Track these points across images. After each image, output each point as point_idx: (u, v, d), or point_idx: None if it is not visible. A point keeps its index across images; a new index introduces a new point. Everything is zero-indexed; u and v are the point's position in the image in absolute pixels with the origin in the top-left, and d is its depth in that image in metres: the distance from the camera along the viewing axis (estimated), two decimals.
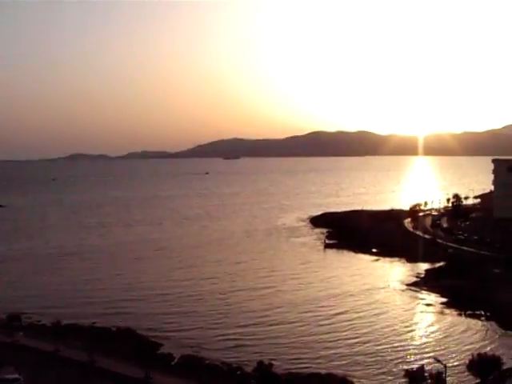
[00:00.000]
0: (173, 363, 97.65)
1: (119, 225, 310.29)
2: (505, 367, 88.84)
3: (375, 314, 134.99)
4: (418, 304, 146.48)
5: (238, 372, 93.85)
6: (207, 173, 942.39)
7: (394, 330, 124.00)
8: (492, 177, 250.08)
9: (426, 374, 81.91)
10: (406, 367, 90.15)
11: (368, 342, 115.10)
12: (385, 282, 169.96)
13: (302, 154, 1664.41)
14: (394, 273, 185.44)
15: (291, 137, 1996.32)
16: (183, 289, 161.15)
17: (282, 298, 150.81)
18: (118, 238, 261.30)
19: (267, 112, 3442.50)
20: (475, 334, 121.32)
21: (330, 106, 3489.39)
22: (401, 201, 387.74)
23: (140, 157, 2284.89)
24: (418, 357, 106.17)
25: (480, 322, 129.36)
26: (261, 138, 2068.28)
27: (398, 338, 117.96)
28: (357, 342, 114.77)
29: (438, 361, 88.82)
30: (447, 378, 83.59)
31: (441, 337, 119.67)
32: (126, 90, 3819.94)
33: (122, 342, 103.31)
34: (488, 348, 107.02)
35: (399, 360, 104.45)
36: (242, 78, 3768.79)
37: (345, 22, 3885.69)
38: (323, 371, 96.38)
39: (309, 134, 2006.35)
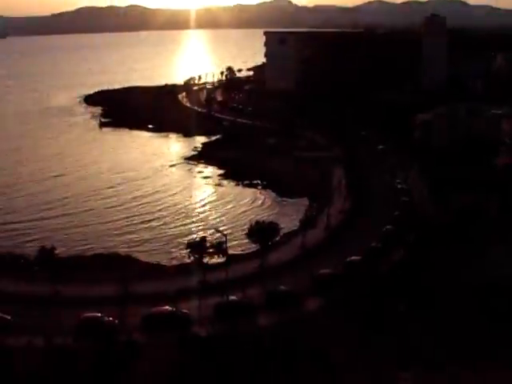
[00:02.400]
0: None
1: None
2: (281, 233, 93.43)
3: (163, 195, 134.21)
4: (197, 178, 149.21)
5: (22, 260, 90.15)
6: None
7: (179, 206, 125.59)
8: (264, 49, 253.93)
9: (207, 244, 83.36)
10: (188, 239, 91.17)
11: (156, 222, 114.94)
12: (165, 158, 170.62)
13: (71, 31, 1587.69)
14: (173, 148, 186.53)
15: (59, 13, 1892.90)
16: None
17: (73, 187, 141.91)
18: None
19: None
20: (253, 203, 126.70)
21: None
22: (175, 76, 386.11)
23: None
24: (201, 229, 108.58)
25: (257, 191, 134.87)
26: (29, 15, 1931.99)
27: (182, 214, 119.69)
28: (147, 226, 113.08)
29: (219, 231, 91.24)
30: (228, 246, 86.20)
31: (221, 208, 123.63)
32: None
33: None
34: (266, 216, 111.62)
35: (184, 234, 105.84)
36: None
37: None
38: (107, 251, 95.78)
39: (78, 9, 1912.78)
